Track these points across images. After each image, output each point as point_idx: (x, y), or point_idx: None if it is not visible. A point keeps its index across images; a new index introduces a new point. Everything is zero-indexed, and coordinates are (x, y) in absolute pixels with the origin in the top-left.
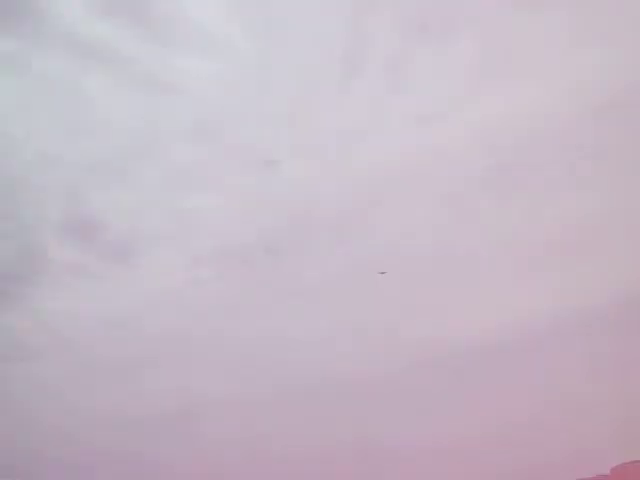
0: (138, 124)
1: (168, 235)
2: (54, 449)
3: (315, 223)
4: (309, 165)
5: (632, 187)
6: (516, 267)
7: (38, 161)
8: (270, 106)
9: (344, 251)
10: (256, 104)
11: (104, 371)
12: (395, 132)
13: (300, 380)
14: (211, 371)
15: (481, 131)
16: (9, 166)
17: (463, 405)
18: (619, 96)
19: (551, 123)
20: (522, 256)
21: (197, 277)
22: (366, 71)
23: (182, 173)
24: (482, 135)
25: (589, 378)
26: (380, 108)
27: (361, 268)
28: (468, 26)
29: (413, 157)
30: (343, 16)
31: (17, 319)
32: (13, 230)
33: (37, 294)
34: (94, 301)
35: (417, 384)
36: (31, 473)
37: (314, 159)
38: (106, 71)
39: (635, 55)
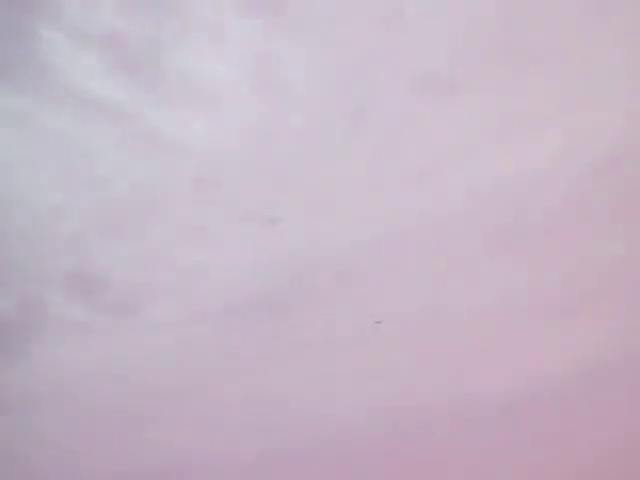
0: (141, 180)
1: (169, 290)
2: None
3: (317, 281)
4: (311, 222)
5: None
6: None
7: (41, 214)
8: (272, 164)
9: (346, 309)
10: (258, 162)
11: (102, 425)
12: (396, 189)
13: (300, 440)
14: (207, 430)
15: (481, 189)
16: (12, 218)
17: None
18: (620, 154)
19: (551, 183)
20: (523, 320)
21: (197, 333)
22: (367, 129)
23: (184, 229)
24: (482, 193)
25: None
26: (381, 166)
27: (364, 326)
28: (469, 84)
29: (414, 214)
30: (345, 79)
31: (17, 373)
32: (14, 283)
33: (37, 348)
34: (94, 356)
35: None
36: None
37: (316, 216)
38: (110, 127)
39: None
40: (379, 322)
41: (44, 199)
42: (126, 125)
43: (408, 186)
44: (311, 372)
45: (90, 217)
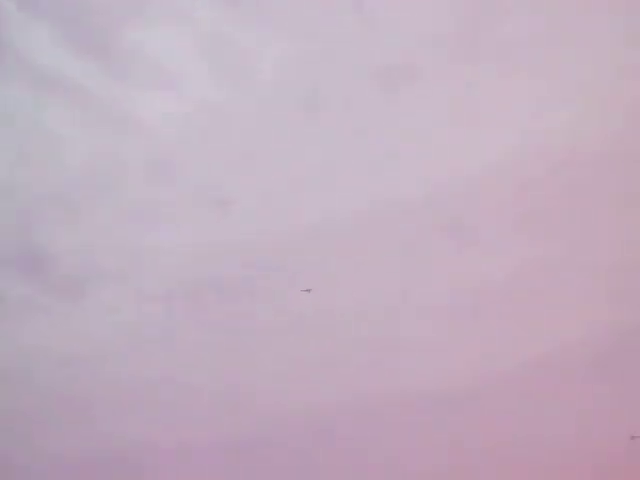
0: (94, 159)
1: (119, 272)
2: None
3: (267, 264)
4: (263, 206)
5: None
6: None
7: None
8: (227, 147)
9: (296, 293)
10: (213, 144)
11: (49, 407)
12: (349, 177)
13: (248, 427)
14: (157, 415)
15: (435, 180)
16: None
17: None
18: (576, 153)
19: (509, 175)
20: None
21: (147, 315)
22: (326, 116)
23: (135, 209)
24: (435, 184)
25: None
26: (337, 155)
27: (314, 311)
28: (428, 75)
29: (367, 202)
30: (306, 61)
31: None
32: None
33: None
34: (40, 335)
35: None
36: None
37: (269, 201)
38: (65, 104)
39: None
40: (307, 290)
41: None
42: (79, 101)
43: (361, 174)
44: (262, 357)
45: (39, 195)
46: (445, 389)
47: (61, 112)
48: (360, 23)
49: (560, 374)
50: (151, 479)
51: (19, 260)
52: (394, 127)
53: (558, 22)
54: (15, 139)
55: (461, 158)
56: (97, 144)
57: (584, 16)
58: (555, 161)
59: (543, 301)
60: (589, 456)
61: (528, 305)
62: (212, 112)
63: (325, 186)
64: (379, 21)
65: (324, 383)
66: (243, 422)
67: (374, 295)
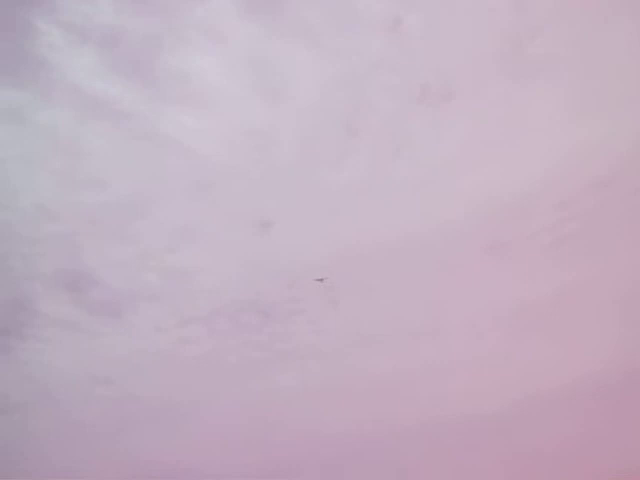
0: (135, 180)
1: (160, 293)
2: None
3: (307, 285)
4: (304, 228)
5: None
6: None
7: (33, 212)
8: (267, 169)
9: (337, 314)
10: (253, 166)
11: (84, 428)
12: (389, 199)
13: (289, 448)
14: (197, 438)
15: (476, 201)
16: (5, 216)
17: None
18: (620, 170)
19: (549, 194)
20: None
21: (187, 337)
22: (366, 137)
23: (175, 231)
24: (477, 205)
25: None
26: (377, 176)
27: (353, 331)
28: (467, 94)
29: (407, 225)
30: (346, 82)
31: (2, 371)
32: (3, 281)
33: (24, 346)
34: (81, 357)
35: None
36: None
37: (310, 222)
38: (106, 125)
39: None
40: (321, 279)
41: (36, 197)
42: (122, 124)
43: (401, 194)
44: (300, 379)
45: (81, 217)
46: (487, 410)
47: (104, 134)
48: (399, 43)
49: (602, 394)
50: None
51: (61, 281)
52: (433, 147)
53: (595, 37)
54: (59, 162)
55: (500, 178)
56: (139, 166)
57: (621, 31)
58: (594, 179)
59: (583, 321)
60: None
61: (568, 326)
62: (252, 134)
63: (365, 207)
64: (417, 40)
65: (366, 406)
66: (279, 444)
67: (414, 316)
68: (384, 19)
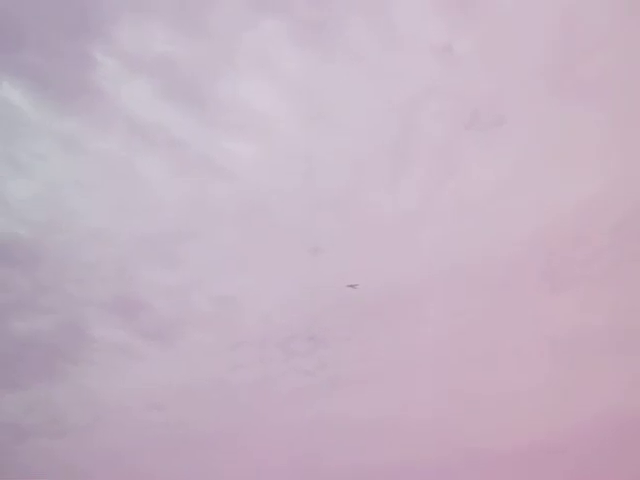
0: (187, 206)
1: (212, 317)
2: None
3: (359, 311)
4: (355, 254)
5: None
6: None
7: (86, 237)
8: (317, 195)
9: (389, 341)
10: (303, 192)
11: (136, 452)
12: (441, 223)
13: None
14: (243, 464)
15: (530, 222)
16: (57, 241)
17: None
18: None
19: (604, 215)
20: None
21: (238, 362)
22: (416, 162)
23: (227, 257)
24: (531, 227)
25: None
26: (427, 202)
27: (407, 358)
28: (517, 119)
29: (461, 251)
30: (394, 107)
31: (57, 394)
32: (57, 305)
33: (78, 370)
34: (134, 382)
35: None
36: None
37: (361, 248)
38: (159, 152)
39: None
40: (353, 286)
41: (90, 223)
42: (174, 151)
43: (454, 220)
44: (351, 404)
45: (135, 242)
46: (550, 439)
47: (156, 160)
48: (449, 68)
49: None
50: None
51: (114, 305)
52: (484, 171)
53: None
54: (113, 188)
55: (553, 200)
56: (191, 191)
57: None
58: None
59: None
60: None
61: (625, 354)
62: (302, 160)
63: (416, 233)
64: (468, 65)
65: (422, 436)
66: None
67: (468, 342)
68: (435, 45)
